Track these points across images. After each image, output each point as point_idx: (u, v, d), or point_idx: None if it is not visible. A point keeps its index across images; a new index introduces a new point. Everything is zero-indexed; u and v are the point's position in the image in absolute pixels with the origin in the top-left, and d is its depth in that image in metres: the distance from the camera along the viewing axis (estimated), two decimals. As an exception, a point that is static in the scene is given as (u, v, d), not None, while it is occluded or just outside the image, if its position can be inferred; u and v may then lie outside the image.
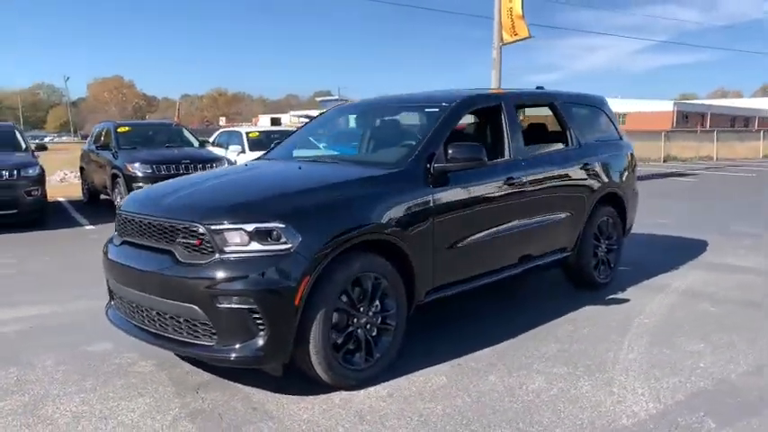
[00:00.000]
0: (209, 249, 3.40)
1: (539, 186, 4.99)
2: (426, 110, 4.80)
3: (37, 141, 19.03)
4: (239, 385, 3.74)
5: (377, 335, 3.83)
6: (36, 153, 10.94)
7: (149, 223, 3.71)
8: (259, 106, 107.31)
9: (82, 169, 13.36)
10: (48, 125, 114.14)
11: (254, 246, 3.36)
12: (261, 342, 3.34)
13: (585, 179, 5.48)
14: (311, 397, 3.57)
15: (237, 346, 3.36)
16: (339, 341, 3.61)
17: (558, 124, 5.66)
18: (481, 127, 5.44)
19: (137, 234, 3.82)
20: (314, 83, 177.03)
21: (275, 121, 60.18)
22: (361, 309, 3.71)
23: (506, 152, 4.87)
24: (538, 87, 6.28)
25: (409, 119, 5.05)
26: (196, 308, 3.38)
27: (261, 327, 3.33)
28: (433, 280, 4.16)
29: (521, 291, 5.88)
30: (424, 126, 4.61)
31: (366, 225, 3.68)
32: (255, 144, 12.63)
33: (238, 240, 3.37)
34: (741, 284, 5.99)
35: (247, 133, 13.35)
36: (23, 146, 10.85)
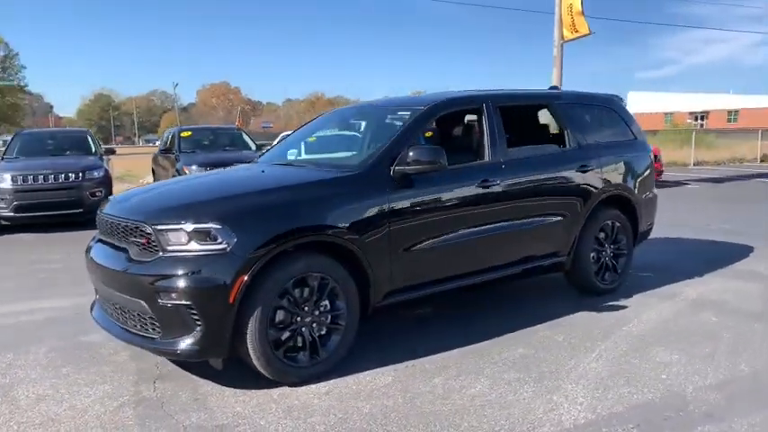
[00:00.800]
0: (155, 248, 3.63)
1: (522, 189, 4.91)
2: (399, 113, 4.84)
3: (117, 145, 20.27)
4: (196, 378, 3.95)
5: (326, 334, 3.93)
6: (106, 156, 11.79)
7: (113, 223, 3.99)
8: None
9: (153, 172, 14.24)
10: (160, 129, 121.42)
11: (193, 245, 3.56)
12: (197, 337, 3.53)
13: (581, 182, 5.32)
14: (254, 391, 3.72)
15: (178, 340, 3.57)
16: (281, 338, 3.74)
17: (557, 126, 5.52)
18: (467, 129, 5.40)
19: (105, 233, 4.12)
20: (413, 83, 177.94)
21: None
22: (306, 308, 3.82)
23: (485, 154, 4.83)
24: (552, 88, 6.15)
25: (386, 123, 5.10)
26: (143, 302, 3.62)
27: (197, 322, 3.52)
28: (392, 282, 4.20)
29: (517, 293, 5.77)
30: (392, 130, 4.66)
31: (308, 227, 3.79)
32: (311, 147, 12.94)
33: (179, 240, 3.57)
34: (763, 295, 5.61)
35: (364, 133, 13.76)
36: (93, 150, 11.71)
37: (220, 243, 3.54)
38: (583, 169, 5.33)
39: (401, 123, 4.63)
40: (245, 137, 13.23)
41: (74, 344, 4.67)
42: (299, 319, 3.80)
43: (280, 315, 3.74)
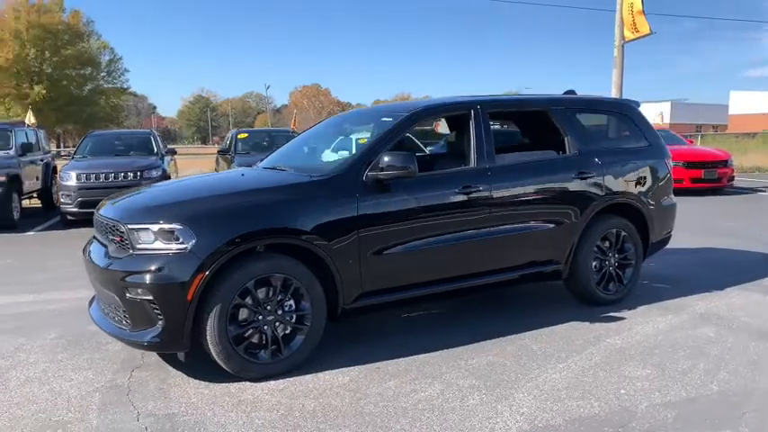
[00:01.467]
0: (127, 246, 3.90)
1: (510, 196, 4.88)
2: (383, 119, 4.92)
3: (214, 145, 21.22)
4: (171, 369, 4.20)
5: (290, 333, 4.09)
6: (168, 157, 12.46)
7: (101, 222, 4.31)
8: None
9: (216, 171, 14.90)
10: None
11: (158, 244, 3.80)
12: (159, 330, 3.77)
13: (579, 189, 5.21)
14: (216, 384, 3.92)
15: (144, 332, 3.83)
16: (243, 335, 3.92)
17: (559, 131, 5.43)
18: (458, 135, 5.40)
19: (97, 232, 4.45)
20: (503, 84, 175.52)
21: (455, 124, 61.00)
22: (269, 307, 3.98)
23: (471, 160, 4.84)
24: (568, 92, 6.06)
25: (371, 128, 5.19)
26: (116, 297, 3.90)
27: (159, 317, 3.76)
28: (363, 285, 4.30)
29: (518, 299, 5.72)
30: (373, 136, 4.75)
31: (269, 229, 3.95)
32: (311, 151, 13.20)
33: (147, 239, 3.83)
34: (780, 311, 5.31)
35: (357, 139, 13.97)
36: (155, 150, 12.40)
37: (182, 243, 3.76)
38: (581, 176, 5.22)
39: (379, 131, 4.72)
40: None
41: (80, 332, 5.03)
42: (260, 317, 3.97)
43: (241, 313, 3.93)
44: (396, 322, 5.14)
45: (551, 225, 5.09)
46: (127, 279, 3.79)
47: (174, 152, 13.20)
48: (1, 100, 52.64)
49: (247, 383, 3.92)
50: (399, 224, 4.41)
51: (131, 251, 3.86)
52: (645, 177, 5.65)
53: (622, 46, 13.58)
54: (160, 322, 3.76)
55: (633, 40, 13.18)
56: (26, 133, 12.66)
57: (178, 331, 3.77)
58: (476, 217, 4.71)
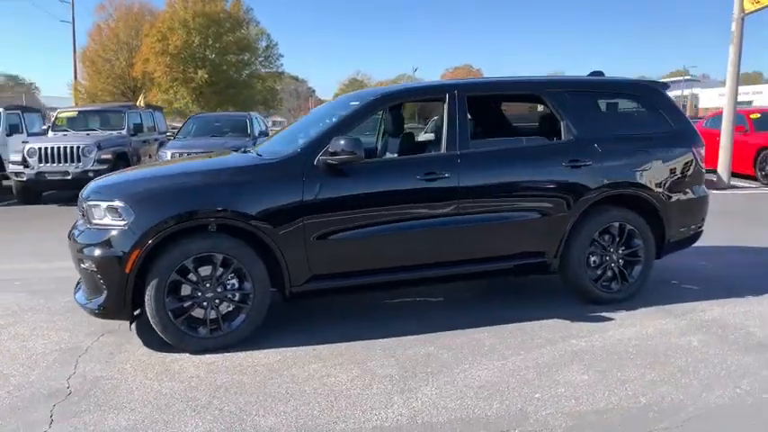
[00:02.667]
0: (87, 220, 4.26)
1: (483, 184, 4.68)
2: (350, 103, 4.89)
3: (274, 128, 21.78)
4: (134, 336, 4.52)
5: (233, 311, 4.26)
6: (261, 138, 13.11)
7: (80, 200, 4.71)
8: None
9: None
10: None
11: (107, 220, 4.11)
12: (103, 299, 4.09)
13: (569, 178, 4.86)
14: (159, 353, 4.18)
15: (93, 300, 4.17)
16: (182, 309, 4.14)
17: (554, 116, 5.09)
18: (437, 121, 5.21)
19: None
20: (667, 62, 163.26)
21: (610, 107, 58.09)
22: (208, 285, 4.17)
23: (442, 146, 4.70)
24: (594, 73, 5.68)
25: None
26: (76, 267, 4.29)
27: (103, 287, 4.08)
28: (312, 268, 4.36)
29: (510, 290, 5.46)
30: (334, 120, 4.75)
31: (206, 210, 4.12)
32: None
33: (99, 215, 4.15)
34: (806, 323, 4.64)
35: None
36: (249, 132, 13.08)
37: (123, 220, 4.04)
38: (573, 164, 4.86)
39: (342, 114, 4.71)
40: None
41: (90, 297, 5.53)
42: (199, 293, 4.17)
43: (182, 288, 4.15)
44: (360, 307, 5.13)
45: (535, 215, 4.80)
46: (83, 251, 4.14)
47: (266, 134, 13.84)
48: (170, 84, 57.83)
49: (185, 355, 4.14)
50: (351, 210, 4.40)
51: (89, 226, 4.20)
52: (661, 167, 5.14)
53: (742, 19, 12.17)
54: (105, 292, 4.08)
55: (755, 11, 11.76)
56: (140, 115, 13.88)
57: (119, 301, 4.06)
58: (441, 205, 4.57)
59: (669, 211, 5.17)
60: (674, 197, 5.21)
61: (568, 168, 4.86)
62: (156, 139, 14.28)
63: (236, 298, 4.26)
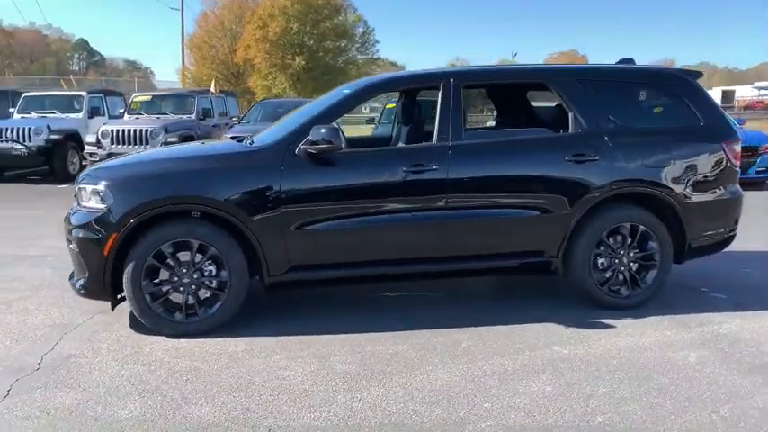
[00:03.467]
0: (78, 203, 4.41)
1: (475, 177, 4.47)
2: (343, 90, 4.77)
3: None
4: (126, 318, 4.64)
5: (210, 297, 4.29)
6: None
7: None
8: (724, 77, 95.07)
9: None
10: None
11: (91, 203, 4.24)
12: (85, 280, 4.23)
13: (572, 173, 4.54)
14: (139, 335, 4.28)
15: (77, 280, 4.33)
16: (160, 292, 4.22)
17: (562, 107, 4.77)
18: (431, 110, 4.99)
19: None
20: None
21: (727, 96, 54.53)
22: (185, 270, 4.22)
23: (434, 136, 4.51)
24: (623, 61, 5.31)
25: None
26: (65, 247, 4.46)
27: (86, 267, 4.21)
28: (292, 258, 4.32)
29: (508, 291, 5.20)
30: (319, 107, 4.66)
31: (182, 196, 4.16)
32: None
33: (85, 197, 4.28)
34: (835, 344, 4.13)
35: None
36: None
37: (104, 203, 4.15)
38: (577, 159, 4.54)
39: (330, 102, 4.61)
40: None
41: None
42: (176, 278, 4.23)
43: (162, 273, 4.22)
44: (348, 299, 5.05)
45: (532, 213, 4.53)
46: (71, 232, 4.29)
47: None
48: (269, 70, 59.56)
49: (161, 339, 4.21)
50: (333, 200, 4.32)
51: (78, 208, 4.35)
52: (683, 163, 4.71)
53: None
54: (87, 273, 4.21)
55: None
56: (210, 100, 14.33)
57: (99, 282, 4.18)
58: (428, 199, 4.40)
59: (691, 213, 4.73)
60: (698, 197, 4.76)
61: (571, 163, 4.54)
62: (226, 124, 14.70)
63: (214, 285, 4.28)
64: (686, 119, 4.83)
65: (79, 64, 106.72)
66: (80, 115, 13.77)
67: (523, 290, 5.30)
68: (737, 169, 4.94)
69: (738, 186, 4.98)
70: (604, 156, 4.56)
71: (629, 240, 4.70)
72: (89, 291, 4.25)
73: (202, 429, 3.07)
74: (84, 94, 14.34)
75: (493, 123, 6.23)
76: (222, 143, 5.13)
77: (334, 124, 4.28)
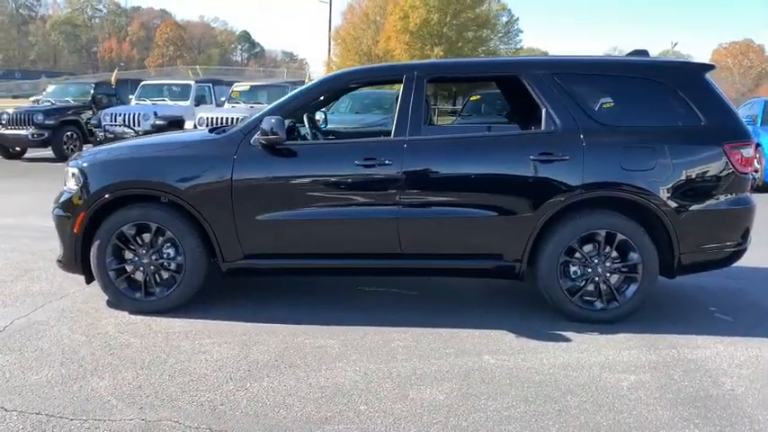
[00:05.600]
0: (65, 184, 4.81)
1: (431, 173, 4.33)
2: (306, 84, 4.76)
3: None
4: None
5: (168, 278, 4.53)
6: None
7: None
8: None
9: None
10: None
11: (70, 184, 4.61)
12: (62, 254, 4.61)
13: (536, 173, 4.24)
14: (110, 310, 4.60)
15: (59, 255, 4.72)
16: (123, 270, 4.51)
17: (536, 103, 4.46)
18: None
19: None
20: None
21: None
22: (144, 251, 4.48)
23: (392, 131, 4.42)
24: (636, 52, 4.92)
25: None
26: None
27: (61, 243, 4.60)
28: (246, 247, 4.44)
29: (487, 294, 4.95)
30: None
31: (137, 180, 4.40)
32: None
33: (69, 179, 4.66)
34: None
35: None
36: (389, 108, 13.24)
37: (77, 185, 4.50)
38: (544, 158, 4.24)
39: (290, 95, 4.65)
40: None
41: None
42: (136, 258, 4.49)
43: (123, 251, 4.51)
44: (310, 289, 5.06)
45: (490, 213, 4.30)
46: (54, 210, 4.69)
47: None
48: (408, 60, 60.25)
49: (124, 314, 4.50)
50: (283, 192, 4.37)
51: (64, 188, 4.75)
52: (673, 167, 4.23)
53: None
54: (63, 248, 4.59)
55: None
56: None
57: (72, 257, 4.54)
58: (380, 194, 4.32)
59: (683, 223, 4.25)
60: (693, 206, 4.27)
61: (537, 163, 4.24)
62: (321, 113, 15.11)
63: (171, 267, 4.50)
64: (683, 117, 4.33)
65: (241, 55, 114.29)
66: (187, 102, 14.82)
67: (505, 296, 5.03)
68: (746, 175, 4.35)
69: (748, 195, 4.39)
70: (576, 156, 4.22)
71: (606, 249, 4.31)
72: (64, 264, 4.62)
73: (85, 400, 3.25)
74: (192, 83, 15.42)
75: (463, 120, 5.93)
76: (198, 133, 5.36)
77: (282, 116, 4.32)
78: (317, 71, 60.42)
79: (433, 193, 4.32)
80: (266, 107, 4.65)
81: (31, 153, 15.44)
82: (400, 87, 4.47)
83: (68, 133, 14.46)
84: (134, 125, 13.54)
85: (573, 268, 4.36)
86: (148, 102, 14.94)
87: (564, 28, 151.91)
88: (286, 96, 4.66)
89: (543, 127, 4.35)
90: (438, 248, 4.41)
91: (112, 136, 13.25)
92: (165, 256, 4.49)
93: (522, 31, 69.72)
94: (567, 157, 4.22)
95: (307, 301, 4.79)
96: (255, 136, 4.35)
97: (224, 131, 4.68)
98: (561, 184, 4.22)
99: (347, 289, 5.10)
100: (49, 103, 15.52)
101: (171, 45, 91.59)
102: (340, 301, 4.80)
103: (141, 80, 17.00)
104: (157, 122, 13.58)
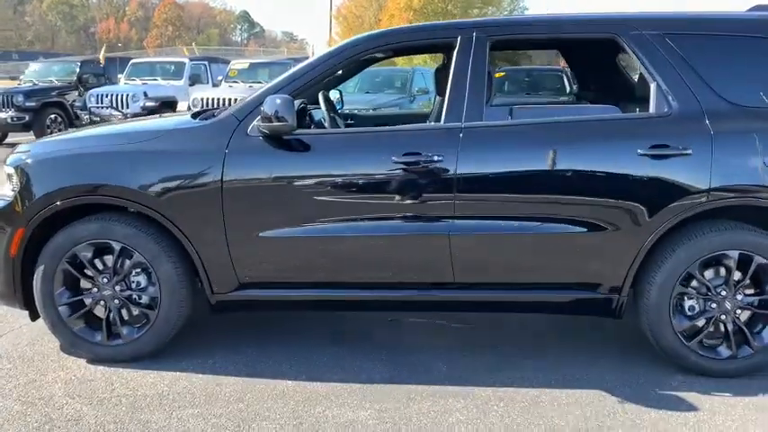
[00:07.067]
0: None
1: (497, 173, 3.15)
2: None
3: None
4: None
5: (139, 316, 3.35)
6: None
7: None
8: None
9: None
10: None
11: (6, 189, 3.41)
12: (-2, 283, 3.43)
13: (645, 173, 3.05)
14: (61, 354, 3.45)
15: (-4, 282, 3.53)
16: (76, 305, 3.34)
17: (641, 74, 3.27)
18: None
19: None
20: None
21: None
22: (105, 280, 3.30)
23: (441, 115, 3.21)
24: (756, 8, 3.68)
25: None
26: None
27: (-1, 267, 3.40)
28: (237, 273, 3.27)
29: (555, 339, 3.76)
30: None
31: (99, 185, 3.22)
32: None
33: (7, 181, 3.47)
34: None
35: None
36: (408, 88, 11.97)
37: (15, 190, 3.32)
38: (658, 151, 3.04)
39: (302, 65, 3.44)
40: (566, 80, 11.62)
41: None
42: (95, 290, 3.32)
43: (77, 281, 3.34)
44: (336, 329, 3.88)
45: (582, 229, 3.11)
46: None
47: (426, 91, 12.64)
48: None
49: (75, 364, 3.35)
50: (294, 199, 3.20)
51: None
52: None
53: None
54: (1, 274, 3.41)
55: None
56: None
57: (10, 287, 3.35)
58: (428, 202, 3.14)
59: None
60: None
61: (647, 159, 3.04)
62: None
63: (143, 300, 3.32)
64: None
65: (241, 35, 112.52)
66: (180, 82, 13.54)
67: (576, 331, 3.84)
68: None
69: None
70: (701, 149, 3.02)
71: (739, 276, 3.12)
72: (2, 295, 3.44)
73: None
74: (186, 61, 14.13)
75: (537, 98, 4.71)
76: (174, 119, 4.15)
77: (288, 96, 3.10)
78: (321, 49, 59.11)
79: (501, 201, 3.14)
80: (268, 84, 3.44)
81: (12, 137, 14.22)
82: (453, 54, 3.25)
83: (52, 116, 13.22)
84: (122, 107, 12.30)
85: (690, 302, 3.18)
86: (138, 81, 13.65)
87: (571, 3, 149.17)
88: (294, 68, 3.43)
89: (652, 109, 3.14)
90: (506, 276, 3.23)
91: (99, 119, 12.01)
92: (133, 285, 3.31)
93: (527, 9, 68.13)
94: (688, 151, 3.02)
95: (322, 343, 3.58)
96: (254, 122, 3.16)
97: (213, 116, 3.46)
98: (680, 188, 3.04)
99: (375, 322, 3.90)
100: (31, 84, 14.25)
101: (170, 25, 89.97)
102: (367, 342, 3.61)
103: (132, 59, 15.69)
104: (148, 104, 12.32)
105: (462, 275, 3.21)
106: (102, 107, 12.33)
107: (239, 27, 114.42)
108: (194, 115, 3.65)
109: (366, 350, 3.48)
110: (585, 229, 3.10)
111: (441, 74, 4.18)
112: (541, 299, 3.28)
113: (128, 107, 12.26)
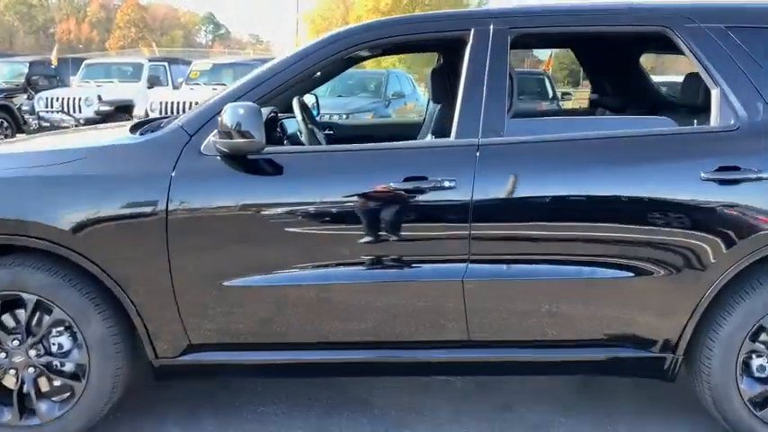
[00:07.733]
0: None
1: (522, 202, 2.46)
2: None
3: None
4: None
5: (61, 387, 2.58)
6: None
7: None
8: None
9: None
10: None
11: None
12: None
13: (711, 202, 2.42)
14: None
15: None
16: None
17: (697, 77, 2.64)
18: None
19: None
20: None
21: None
22: (15, 342, 2.53)
23: (454, 127, 2.52)
24: None
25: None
26: None
27: None
28: (188, 332, 2.53)
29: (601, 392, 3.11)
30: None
31: (6, 220, 2.46)
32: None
33: None
34: None
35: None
36: (382, 92, 11.33)
37: None
38: (725, 175, 2.40)
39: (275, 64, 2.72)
40: (548, 85, 11.11)
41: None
42: (2, 356, 2.54)
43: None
44: (320, 397, 3.16)
45: (627, 273, 2.45)
46: None
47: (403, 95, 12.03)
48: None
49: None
50: (260, 235, 2.47)
51: None
52: None
53: None
54: None
55: None
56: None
57: None
58: (437, 239, 2.46)
59: None
60: None
61: (714, 184, 2.40)
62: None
63: (66, 368, 2.56)
64: None
65: (205, 37, 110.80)
66: (138, 84, 12.62)
67: (605, 389, 3.19)
68: None
69: None
70: (782, 171, 2.38)
71: (819, 330, 2.50)
72: None
73: None
74: (144, 61, 13.21)
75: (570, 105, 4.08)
76: (110, 132, 3.40)
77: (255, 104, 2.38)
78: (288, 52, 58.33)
79: (528, 239, 2.47)
80: (228, 88, 2.69)
81: (-46, 145, 13.18)
82: (465, 51, 2.57)
83: (-3, 121, 12.23)
84: (74, 111, 11.34)
85: (760, 361, 2.55)
86: (93, 84, 12.68)
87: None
88: (261, 69, 2.68)
89: (714, 120, 2.50)
90: (532, 332, 2.55)
91: (48, 125, 11.07)
92: (53, 349, 2.54)
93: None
94: (764, 175, 2.38)
95: (305, 414, 2.86)
96: (210, 138, 2.44)
97: (159, 128, 2.71)
98: (753, 221, 2.40)
99: (370, 385, 3.18)
100: (-26, 86, 13.21)
101: (132, 26, 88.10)
102: (358, 412, 2.89)
103: (83, 59, 14.69)
104: (102, 108, 11.38)
105: (479, 332, 2.53)
106: (52, 111, 11.37)
107: (204, 29, 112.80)
108: (134, 127, 2.90)
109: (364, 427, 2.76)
110: (633, 274, 2.45)
111: (438, 77, 3.51)
112: (577, 359, 2.62)
113: (80, 111, 11.32)
